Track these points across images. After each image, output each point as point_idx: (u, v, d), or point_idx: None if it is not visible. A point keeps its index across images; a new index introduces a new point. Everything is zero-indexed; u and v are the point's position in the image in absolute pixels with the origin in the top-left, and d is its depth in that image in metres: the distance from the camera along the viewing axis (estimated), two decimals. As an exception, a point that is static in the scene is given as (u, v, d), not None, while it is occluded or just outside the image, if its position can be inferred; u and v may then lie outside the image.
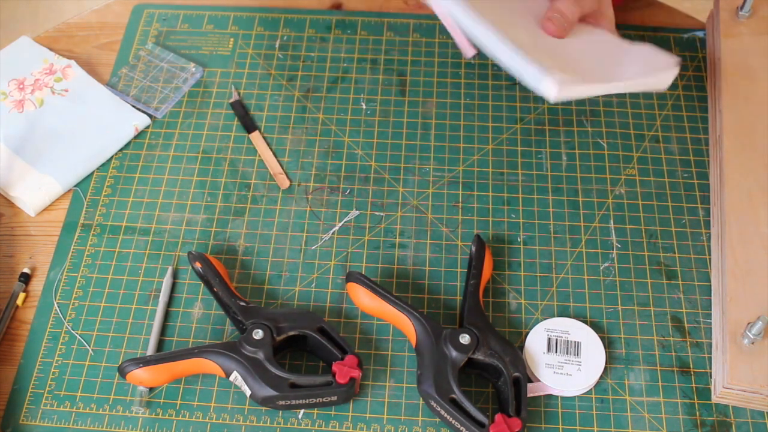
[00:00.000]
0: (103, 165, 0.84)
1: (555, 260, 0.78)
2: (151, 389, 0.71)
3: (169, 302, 0.75)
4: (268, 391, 0.67)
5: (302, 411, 0.70)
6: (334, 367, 0.68)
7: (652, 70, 0.76)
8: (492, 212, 0.81)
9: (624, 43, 0.79)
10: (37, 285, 0.77)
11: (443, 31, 0.93)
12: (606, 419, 0.70)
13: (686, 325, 0.74)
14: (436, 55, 0.92)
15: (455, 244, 0.79)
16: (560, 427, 0.69)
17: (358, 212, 0.81)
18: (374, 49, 0.92)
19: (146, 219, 0.80)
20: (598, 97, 0.88)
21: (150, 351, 0.72)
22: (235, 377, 0.69)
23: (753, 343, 0.69)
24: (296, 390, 0.67)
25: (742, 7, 0.87)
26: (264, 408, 0.70)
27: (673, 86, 0.89)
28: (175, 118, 0.87)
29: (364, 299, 0.72)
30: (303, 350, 0.72)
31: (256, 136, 0.85)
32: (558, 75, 0.71)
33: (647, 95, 0.88)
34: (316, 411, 0.70)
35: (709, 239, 0.79)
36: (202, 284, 0.76)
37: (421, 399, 0.70)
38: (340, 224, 0.80)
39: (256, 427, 0.69)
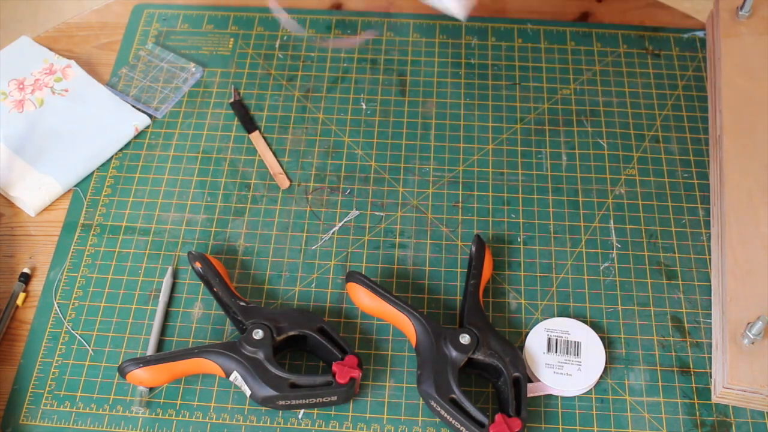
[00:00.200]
0: (103, 165, 0.84)
1: (555, 260, 0.78)
2: (151, 389, 0.71)
3: (169, 302, 0.75)
4: (268, 391, 0.67)
5: (302, 411, 0.70)
6: (334, 367, 0.68)
7: None
8: (492, 212, 0.81)
9: None
10: (37, 285, 0.77)
11: (443, 30, 0.93)
12: (606, 419, 0.70)
13: (686, 325, 0.74)
14: (436, 55, 0.92)
15: (455, 244, 0.79)
16: (560, 427, 0.69)
17: (358, 212, 0.81)
18: (374, 49, 0.92)
19: (146, 219, 0.80)
20: (599, 97, 0.88)
21: (150, 351, 0.72)
22: (235, 377, 0.69)
23: (753, 343, 0.69)
24: (296, 390, 0.67)
25: (742, 7, 0.87)
26: (264, 408, 0.70)
27: (673, 86, 0.89)
28: (175, 118, 0.87)
29: (364, 299, 0.72)
30: (303, 350, 0.72)
31: (256, 136, 0.85)
32: None
33: (647, 95, 0.88)
34: (316, 411, 0.70)
35: (709, 239, 0.79)
36: (202, 284, 0.76)
37: (421, 399, 0.70)
38: (340, 224, 0.80)
39: (256, 427, 0.69)
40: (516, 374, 0.68)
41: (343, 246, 0.79)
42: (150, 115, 0.87)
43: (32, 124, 0.85)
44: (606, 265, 0.78)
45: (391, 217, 0.80)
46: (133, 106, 0.87)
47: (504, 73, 0.90)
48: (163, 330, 0.74)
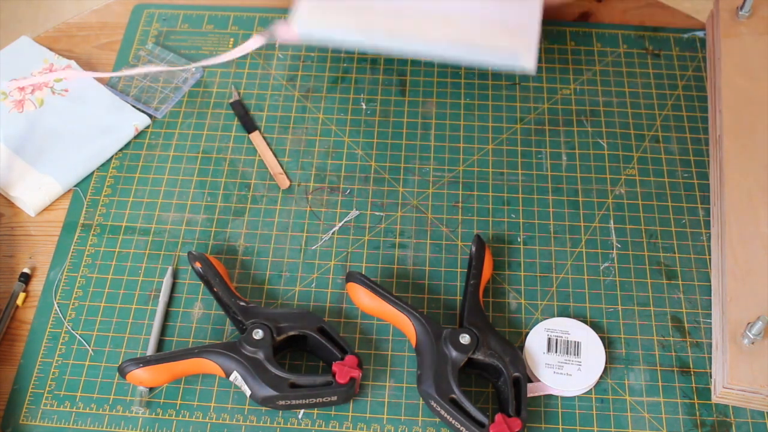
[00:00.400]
0: (103, 165, 0.84)
1: (555, 260, 0.78)
2: (151, 389, 0.71)
3: (169, 302, 0.75)
4: (268, 391, 0.67)
5: (302, 411, 0.70)
6: (334, 367, 0.68)
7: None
8: (492, 212, 0.81)
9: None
10: (37, 285, 0.77)
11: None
12: (606, 419, 0.70)
13: (686, 325, 0.74)
14: (436, 55, 0.92)
15: (455, 244, 0.79)
16: (560, 427, 0.69)
17: (358, 212, 0.81)
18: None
19: (146, 219, 0.80)
20: (599, 97, 0.88)
21: (150, 351, 0.72)
22: (235, 377, 0.69)
23: (753, 343, 0.69)
24: (296, 390, 0.67)
25: (742, 7, 0.87)
26: (264, 408, 0.70)
27: (673, 86, 0.89)
28: (175, 118, 0.87)
29: (364, 299, 0.72)
30: (303, 350, 0.72)
31: (256, 136, 0.85)
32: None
33: (647, 95, 0.88)
34: (316, 411, 0.70)
35: (709, 239, 0.79)
36: (202, 284, 0.76)
37: (421, 399, 0.70)
38: (340, 224, 0.80)
39: (256, 427, 0.69)
40: (516, 374, 0.68)
41: (343, 246, 0.79)
42: (150, 115, 0.87)
43: (32, 124, 0.85)
44: (606, 265, 0.78)
45: (391, 217, 0.80)
46: (133, 106, 0.87)
47: (504, 73, 0.90)
48: (163, 330, 0.74)
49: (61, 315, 0.75)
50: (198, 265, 0.74)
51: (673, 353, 0.73)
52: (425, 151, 0.85)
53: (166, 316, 0.75)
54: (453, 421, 0.67)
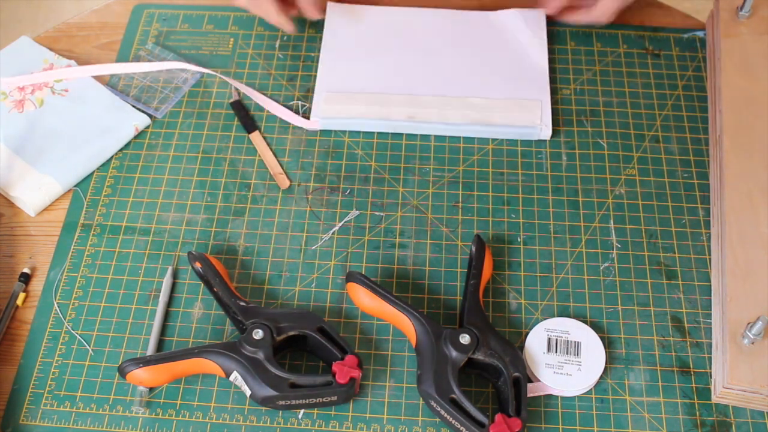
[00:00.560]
0: (103, 165, 0.84)
1: (555, 260, 0.78)
2: (151, 389, 0.71)
3: (169, 302, 0.75)
4: (268, 391, 0.67)
5: (302, 411, 0.70)
6: (334, 367, 0.68)
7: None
8: (492, 212, 0.81)
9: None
10: (37, 285, 0.77)
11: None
12: (606, 419, 0.70)
13: (686, 325, 0.74)
14: (436, 55, 0.92)
15: (455, 244, 0.79)
16: (560, 427, 0.69)
17: (358, 212, 0.81)
18: (374, 49, 0.92)
19: (146, 219, 0.80)
20: (599, 97, 0.88)
21: (150, 351, 0.72)
22: (235, 377, 0.69)
23: (753, 343, 0.69)
24: (296, 390, 0.67)
25: (742, 7, 0.87)
26: (264, 408, 0.70)
27: (673, 86, 0.89)
28: (175, 118, 0.87)
29: (364, 299, 0.72)
30: (303, 350, 0.72)
31: (256, 136, 0.85)
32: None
33: (647, 95, 0.88)
34: (316, 411, 0.70)
35: (709, 239, 0.79)
36: (202, 284, 0.76)
37: (421, 399, 0.70)
38: (340, 224, 0.80)
39: (256, 427, 0.69)
40: (516, 374, 0.68)
41: (343, 246, 0.79)
42: (150, 115, 0.87)
43: (32, 124, 0.85)
44: (606, 265, 0.78)
45: (391, 217, 0.80)
46: (133, 106, 0.87)
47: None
48: (163, 330, 0.74)
49: (61, 315, 0.75)
50: (198, 265, 0.74)
51: (673, 353, 0.73)
52: (425, 151, 0.85)
53: (166, 316, 0.75)
54: (453, 421, 0.67)
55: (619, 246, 0.79)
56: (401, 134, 0.86)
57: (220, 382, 0.71)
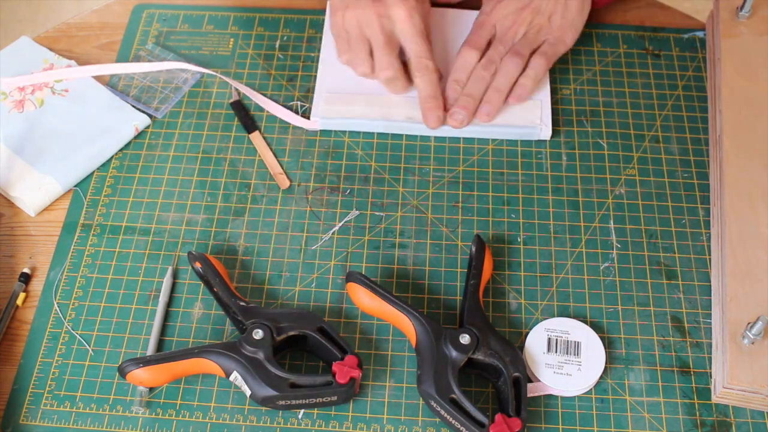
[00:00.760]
0: (103, 165, 0.84)
1: (555, 260, 0.78)
2: (151, 389, 0.71)
3: (169, 302, 0.75)
4: (268, 391, 0.67)
5: (302, 411, 0.70)
6: (334, 367, 0.68)
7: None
8: (492, 212, 0.81)
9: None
10: (37, 285, 0.77)
11: (443, 31, 0.93)
12: (606, 419, 0.70)
13: (686, 325, 0.74)
14: (436, 55, 0.91)
15: (455, 244, 0.79)
16: (560, 427, 0.69)
17: (358, 212, 0.81)
18: (374, 49, 0.92)
19: (146, 219, 0.80)
20: (599, 97, 0.88)
21: (150, 351, 0.72)
22: (235, 377, 0.69)
23: (753, 343, 0.69)
24: (296, 390, 0.67)
25: (742, 7, 0.87)
26: (264, 408, 0.70)
27: (673, 86, 0.89)
28: (175, 118, 0.87)
29: (364, 299, 0.72)
30: (303, 350, 0.72)
31: (256, 136, 0.85)
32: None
33: (647, 95, 0.88)
34: (316, 411, 0.70)
35: (709, 239, 0.79)
36: (202, 284, 0.76)
37: (421, 399, 0.70)
38: (340, 224, 0.80)
39: (256, 427, 0.69)
40: (516, 374, 0.68)
41: (343, 246, 0.79)
42: (150, 115, 0.87)
43: (32, 124, 0.85)
44: (606, 265, 0.78)
45: (391, 217, 0.80)
46: (133, 106, 0.87)
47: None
48: (163, 330, 0.74)
49: (61, 315, 0.75)
50: (198, 265, 0.74)
51: (673, 353, 0.73)
52: (425, 151, 0.85)
53: (166, 316, 0.75)
54: (453, 421, 0.67)
55: (619, 246, 0.79)
56: (401, 134, 0.86)
57: (220, 382, 0.71)
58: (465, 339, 0.69)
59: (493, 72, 0.84)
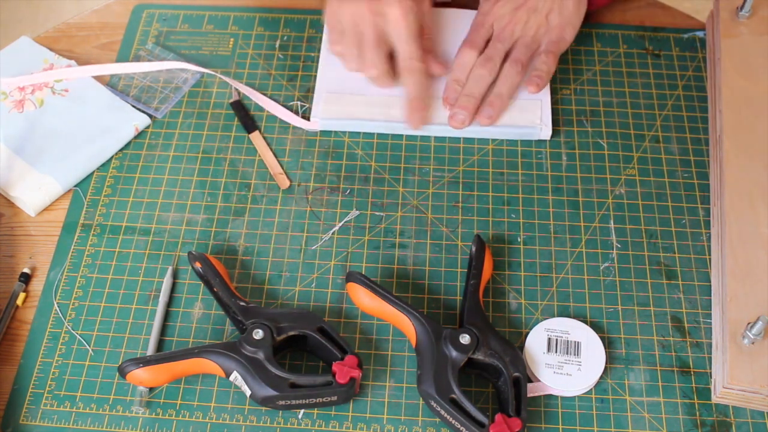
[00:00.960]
0: (103, 165, 0.84)
1: (555, 260, 0.78)
2: (151, 389, 0.71)
3: (169, 302, 0.75)
4: (268, 391, 0.67)
5: (302, 411, 0.70)
6: (334, 367, 0.68)
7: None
8: (492, 212, 0.81)
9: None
10: (37, 285, 0.77)
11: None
12: (606, 419, 0.70)
13: (686, 325, 0.74)
14: (436, 55, 0.91)
15: (455, 244, 0.79)
16: (560, 427, 0.69)
17: (358, 212, 0.81)
18: (374, 49, 0.92)
19: (146, 219, 0.80)
20: (599, 97, 0.88)
21: (150, 351, 0.72)
22: (235, 377, 0.69)
23: (753, 343, 0.69)
24: (296, 390, 0.67)
25: (742, 7, 0.87)
26: (264, 408, 0.70)
27: (673, 86, 0.89)
28: (175, 118, 0.87)
29: (364, 299, 0.72)
30: (303, 350, 0.72)
31: (256, 136, 0.85)
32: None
33: (647, 95, 0.88)
34: (316, 411, 0.70)
35: (709, 239, 0.79)
36: (202, 284, 0.76)
37: (421, 399, 0.70)
38: (340, 224, 0.80)
39: (256, 427, 0.69)
40: (516, 374, 0.68)
41: (343, 246, 0.79)
42: (150, 115, 0.87)
43: (32, 124, 0.85)
44: (606, 265, 0.78)
45: (391, 217, 0.80)
46: (133, 106, 0.87)
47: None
48: (163, 330, 0.74)
49: (61, 315, 0.75)
50: (198, 265, 0.74)
51: (673, 353, 0.73)
52: (425, 151, 0.85)
53: (166, 316, 0.75)
54: (453, 421, 0.67)
55: (619, 246, 0.79)
56: (401, 134, 0.86)
57: (220, 382, 0.71)
58: (465, 339, 0.69)
59: (491, 70, 0.84)
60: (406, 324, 0.71)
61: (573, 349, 0.71)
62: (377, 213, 0.81)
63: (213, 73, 0.89)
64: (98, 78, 0.89)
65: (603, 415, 0.70)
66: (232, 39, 0.93)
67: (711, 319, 0.75)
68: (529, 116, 0.84)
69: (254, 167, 0.84)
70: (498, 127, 0.84)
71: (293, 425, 0.69)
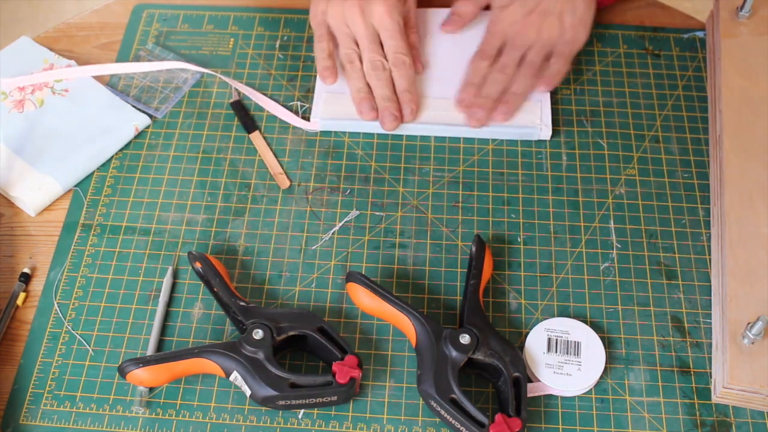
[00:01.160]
0: (103, 165, 0.84)
1: (555, 260, 0.78)
2: (151, 389, 0.71)
3: (169, 302, 0.75)
4: (268, 391, 0.67)
5: (302, 411, 0.70)
6: (334, 367, 0.68)
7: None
8: (492, 212, 0.81)
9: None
10: (37, 285, 0.77)
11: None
12: (606, 419, 0.70)
13: (686, 325, 0.74)
14: (436, 55, 0.92)
15: (455, 244, 0.79)
16: (560, 427, 0.69)
17: (358, 212, 0.81)
18: (374, 49, 0.92)
19: (146, 219, 0.80)
20: (599, 97, 0.88)
21: (150, 351, 0.72)
22: (235, 377, 0.69)
23: (753, 343, 0.69)
24: (296, 390, 0.67)
25: (742, 7, 0.87)
26: (264, 408, 0.70)
27: (673, 86, 0.89)
28: (175, 118, 0.87)
29: (364, 299, 0.72)
30: (303, 350, 0.72)
31: (256, 136, 0.85)
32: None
33: (647, 95, 0.88)
34: (316, 411, 0.70)
35: (709, 239, 0.79)
36: (202, 284, 0.76)
37: (421, 399, 0.70)
38: (340, 224, 0.80)
39: (256, 427, 0.69)
40: (516, 374, 0.68)
41: (343, 246, 0.79)
42: (150, 115, 0.87)
43: (32, 124, 0.85)
44: (606, 265, 0.78)
45: (391, 217, 0.80)
46: (134, 106, 0.87)
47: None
48: (163, 330, 0.74)
49: (61, 315, 0.75)
50: (198, 265, 0.74)
51: (673, 353, 0.73)
52: (425, 151, 0.85)
53: (166, 316, 0.75)
54: (453, 421, 0.67)
55: (619, 246, 0.79)
56: (401, 134, 0.86)
57: (220, 382, 0.71)
58: (465, 339, 0.69)
59: (507, 75, 0.85)
60: (406, 324, 0.71)
61: (573, 349, 0.71)
62: (377, 213, 0.81)
63: (213, 73, 0.89)
64: (98, 78, 0.89)
65: (603, 415, 0.70)
66: (232, 39, 0.93)
67: (711, 319, 0.75)
68: (529, 116, 0.85)
69: (254, 167, 0.84)
70: (498, 127, 0.84)
71: (293, 425, 0.69)
